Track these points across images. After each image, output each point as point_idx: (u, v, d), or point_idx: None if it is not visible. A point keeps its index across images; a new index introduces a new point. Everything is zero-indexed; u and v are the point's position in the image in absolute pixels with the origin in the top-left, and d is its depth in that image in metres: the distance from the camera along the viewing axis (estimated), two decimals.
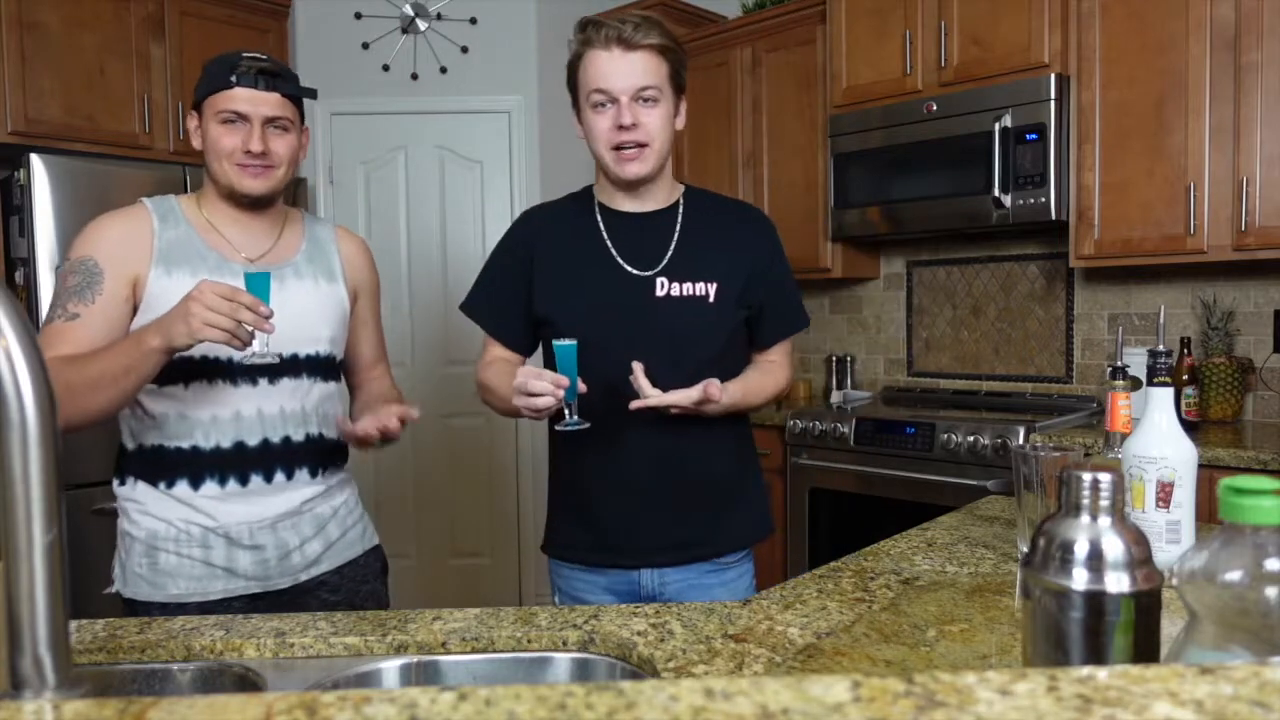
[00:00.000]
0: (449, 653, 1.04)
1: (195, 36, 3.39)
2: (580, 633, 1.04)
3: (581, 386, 1.36)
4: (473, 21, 3.79)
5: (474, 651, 1.04)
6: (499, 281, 1.62)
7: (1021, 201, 2.80)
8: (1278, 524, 0.56)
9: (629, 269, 1.51)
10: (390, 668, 1.03)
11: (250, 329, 1.23)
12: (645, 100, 1.43)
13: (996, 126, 2.81)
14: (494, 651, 1.04)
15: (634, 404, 1.37)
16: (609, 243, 1.52)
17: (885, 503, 2.81)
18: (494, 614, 1.11)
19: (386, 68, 3.77)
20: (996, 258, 3.30)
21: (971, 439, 2.65)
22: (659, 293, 1.49)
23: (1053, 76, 2.72)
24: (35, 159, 2.86)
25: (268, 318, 1.24)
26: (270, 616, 1.12)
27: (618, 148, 1.44)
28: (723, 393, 1.40)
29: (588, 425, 1.38)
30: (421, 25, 3.77)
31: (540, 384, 1.31)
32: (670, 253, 1.51)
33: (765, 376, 1.59)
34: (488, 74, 3.84)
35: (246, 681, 1.00)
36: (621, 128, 1.42)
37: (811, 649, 0.97)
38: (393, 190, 3.83)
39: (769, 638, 1.00)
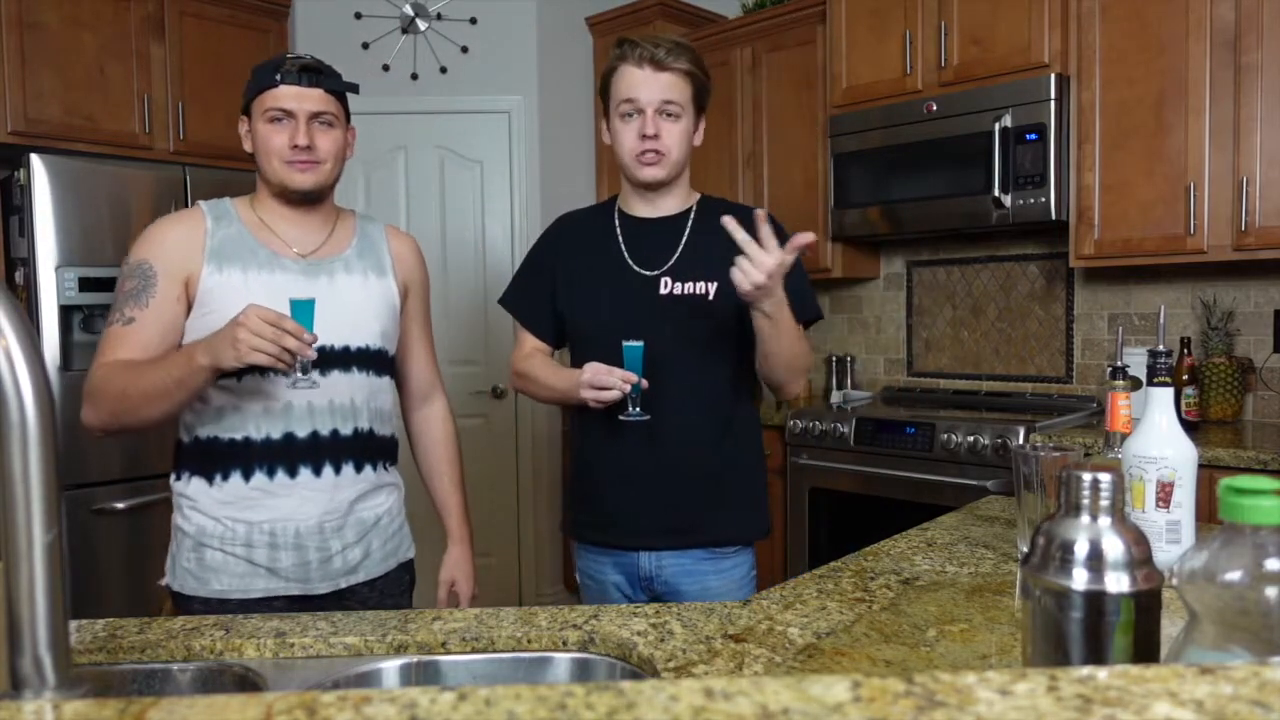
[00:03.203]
0: (449, 653, 1.04)
1: (195, 36, 3.39)
2: (580, 633, 1.04)
3: (644, 383, 1.48)
4: (473, 21, 3.79)
5: (474, 651, 1.04)
6: (531, 279, 1.76)
7: (1021, 201, 2.79)
8: (1278, 524, 0.56)
9: (636, 269, 1.63)
10: (390, 668, 1.03)
11: (293, 354, 1.26)
12: (668, 115, 1.57)
13: (996, 126, 2.81)
14: (494, 651, 1.04)
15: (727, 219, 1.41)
16: (622, 245, 1.66)
17: (885, 503, 2.81)
18: (494, 614, 1.11)
19: (386, 68, 3.77)
20: (996, 258, 3.30)
21: (971, 439, 2.65)
22: (663, 291, 1.61)
23: (1053, 76, 2.72)
24: (35, 159, 2.86)
25: (311, 344, 1.27)
26: (270, 616, 1.12)
27: (640, 154, 1.58)
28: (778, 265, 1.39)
29: (649, 417, 1.51)
30: (421, 25, 3.77)
31: (610, 379, 1.45)
32: (676, 255, 1.63)
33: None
34: (488, 74, 3.83)
35: (246, 681, 1.00)
36: (645, 137, 1.57)
37: (811, 649, 0.97)
38: (392, 190, 3.83)
39: (769, 638, 1.00)
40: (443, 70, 3.79)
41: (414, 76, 3.79)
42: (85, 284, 2.95)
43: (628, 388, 1.46)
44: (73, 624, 1.06)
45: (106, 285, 3.00)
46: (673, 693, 0.46)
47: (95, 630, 1.07)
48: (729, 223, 1.38)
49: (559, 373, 1.61)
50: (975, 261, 3.36)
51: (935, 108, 2.96)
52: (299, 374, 1.35)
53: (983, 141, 2.84)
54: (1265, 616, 0.56)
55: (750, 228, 1.63)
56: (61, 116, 3.06)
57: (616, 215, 1.70)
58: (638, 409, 1.50)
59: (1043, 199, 2.75)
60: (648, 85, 1.55)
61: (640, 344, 1.49)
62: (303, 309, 1.33)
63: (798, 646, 0.98)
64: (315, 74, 1.46)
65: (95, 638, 1.05)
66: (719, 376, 1.63)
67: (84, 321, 3.02)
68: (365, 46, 3.74)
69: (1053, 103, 2.72)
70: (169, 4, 3.31)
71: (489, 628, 1.06)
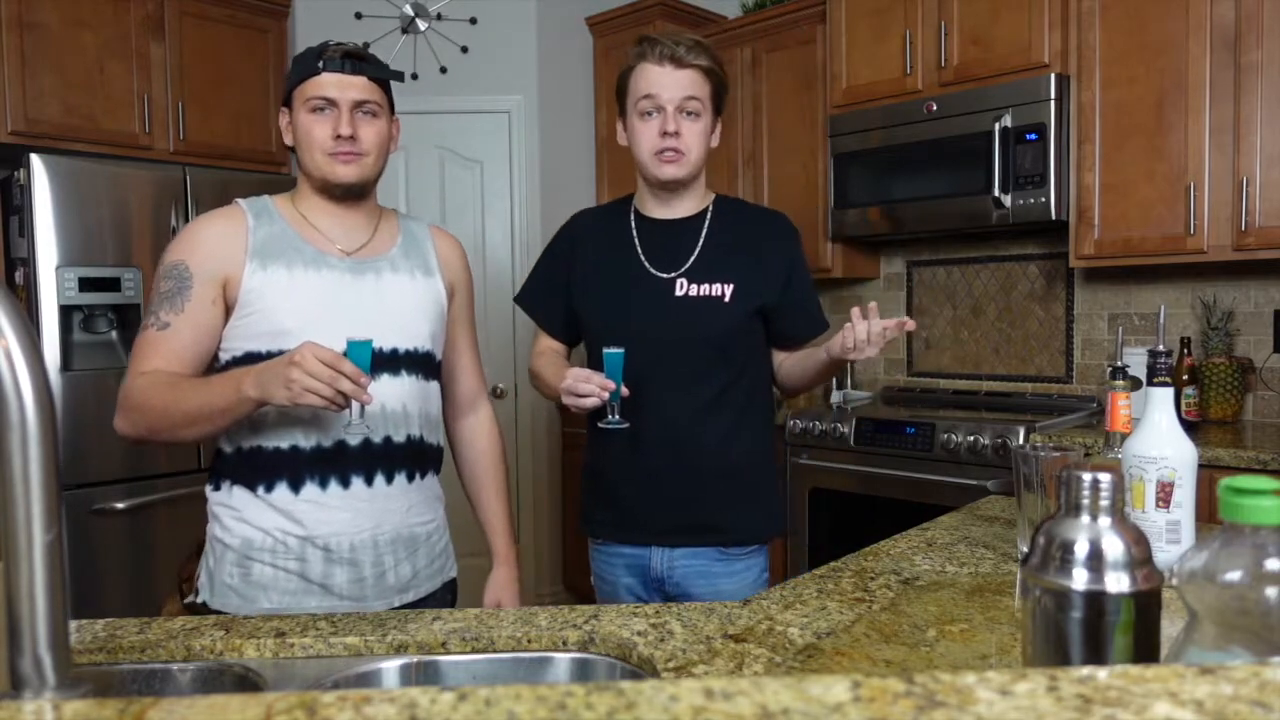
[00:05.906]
0: (449, 653, 1.04)
1: (195, 36, 3.39)
2: (580, 633, 1.04)
3: (624, 391, 1.47)
4: (473, 21, 3.79)
5: (474, 651, 1.04)
6: (545, 277, 1.77)
7: (1021, 201, 2.79)
8: (1278, 524, 0.56)
9: (652, 270, 1.64)
10: (390, 668, 1.03)
11: (347, 398, 1.20)
12: (688, 113, 1.57)
13: (996, 126, 2.80)
14: (494, 651, 1.04)
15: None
16: (638, 246, 1.66)
17: (885, 503, 2.81)
18: (494, 614, 1.11)
19: None
20: (996, 258, 3.30)
21: (971, 439, 2.65)
22: (678, 293, 1.61)
23: (1053, 76, 2.72)
24: (35, 159, 2.86)
25: (366, 387, 1.20)
26: (270, 616, 1.12)
27: (660, 152, 1.57)
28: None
29: (628, 425, 1.50)
30: (421, 25, 3.77)
31: (589, 386, 1.45)
32: (694, 257, 1.63)
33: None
34: (488, 74, 3.83)
35: (246, 681, 1.00)
36: (665, 134, 1.56)
37: (811, 649, 0.97)
38: (392, 190, 3.82)
39: (769, 638, 1.00)
40: (443, 70, 3.79)
41: (414, 76, 3.79)
42: (85, 284, 2.95)
43: (605, 395, 1.45)
44: (73, 624, 1.06)
45: (106, 285, 3.00)
46: (673, 693, 0.46)
47: (95, 630, 1.07)
48: (859, 316, 1.53)
49: (558, 374, 1.60)
50: (975, 261, 3.36)
51: (935, 108, 2.96)
52: (355, 418, 1.27)
53: (983, 141, 2.84)
54: (1265, 616, 0.56)
55: (774, 230, 1.72)
56: (61, 116, 3.06)
57: (632, 216, 1.69)
58: (616, 416, 1.50)
59: (1043, 199, 2.75)
60: (668, 82, 1.55)
61: (620, 351, 1.48)
62: (360, 350, 1.25)
63: (798, 646, 0.98)
64: (359, 61, 1.40)
65: (95, 638, 1.05)
66: (732, 377, 1.63)
67: (84, 321, 3.01)
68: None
69: (1053, 103, 2.72)
70: (169, 4, 3.31)
71: (489, 628, 1.06)
